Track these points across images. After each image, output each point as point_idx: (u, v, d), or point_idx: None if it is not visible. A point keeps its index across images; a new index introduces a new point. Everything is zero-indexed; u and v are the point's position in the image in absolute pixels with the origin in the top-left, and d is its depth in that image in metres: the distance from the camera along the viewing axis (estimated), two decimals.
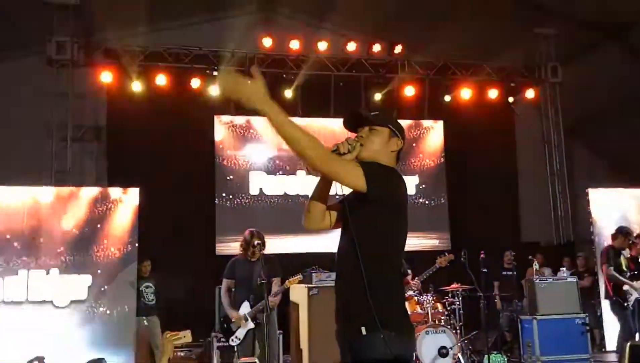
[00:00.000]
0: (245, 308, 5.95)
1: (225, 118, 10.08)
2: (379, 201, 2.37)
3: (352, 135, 2.61)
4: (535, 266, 7.50)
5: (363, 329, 2.30)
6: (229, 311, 5.99)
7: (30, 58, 9.70)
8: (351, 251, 2.38)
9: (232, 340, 5.97)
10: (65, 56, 9.18)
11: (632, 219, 8.82)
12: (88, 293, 7.29)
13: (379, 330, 2.27)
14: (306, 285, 7.05)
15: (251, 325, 5.92)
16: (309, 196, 2.61)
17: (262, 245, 5.85)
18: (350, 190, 2.45)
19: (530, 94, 10.81)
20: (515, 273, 7.96)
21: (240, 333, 5.94)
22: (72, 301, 7.23)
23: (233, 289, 6.17)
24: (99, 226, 7.44)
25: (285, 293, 7.49)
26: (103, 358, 6.12)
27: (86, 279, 7.32)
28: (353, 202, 2.46)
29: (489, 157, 10.55)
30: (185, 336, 3.50)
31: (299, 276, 6.20)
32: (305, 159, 2.27)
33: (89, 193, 7.64)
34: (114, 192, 7.69)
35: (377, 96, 10.47)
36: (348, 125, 2.64)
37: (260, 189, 10.09)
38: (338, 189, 2.46)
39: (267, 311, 5.57)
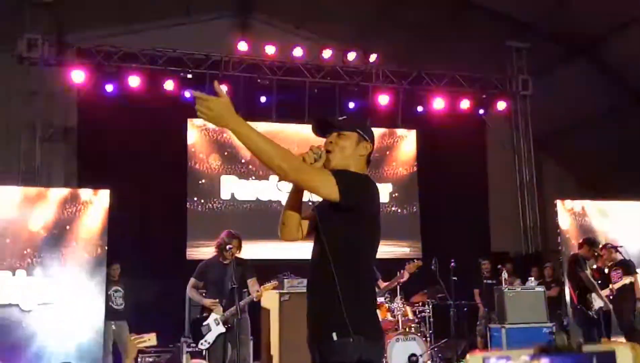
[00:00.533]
0: (217, 311, 5.90)
1: (198, 122, 9.99)
2: (352, 209, 2.37)
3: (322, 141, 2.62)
4: (504, 275, 7.61)
5: (334, 335, 2.30)
6: (202, 301, 5.92)
7: (1, 55, 9.51)
8: (324, 258, 2.38)
9: (202, 343, 5.90)
10: (36, 54, 8.99)
11: (598, 231, 9.01)
12: (57, 296, 7.10)
13: (350, 335, 2.28)
14: (278, 291, 7.04)
15: (222, 329, 5.85)
16: (283, 206, 2.61)
17: (238, 247, 5.89)
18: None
19: (501, 105, 10.99)
20: (496, 281, 8.07)
21: (210, 337, 5.87)
22: (39, 305, 7.04)
23: (203, 292, 6.12)
24: (67, 227, 7.27)
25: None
26: None
27: (54, 281, 7.13)
28: (325, 210, 2.46)
29: (461, 167, 10.69)
30: (150, 339, 3.45)
31: (275, 282, 6.19)
32: (277, 171, 2.27)
33: (58, 194, 7.47)
34: (84, 193, 7.52)
35: (351, 105, 10.53)
36: (317, 131, 2.65)
37: (232, 194, 10.04)
38: (310, 196, 2.48)
39: (239, 316, 5.55)
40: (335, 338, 2.30)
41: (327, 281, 2.34)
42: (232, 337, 5.79)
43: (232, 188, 10.07)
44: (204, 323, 5.90)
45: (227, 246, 5.80)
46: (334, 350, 2.31)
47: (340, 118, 2.69)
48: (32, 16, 8.93)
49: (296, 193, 2.57)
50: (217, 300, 5.83)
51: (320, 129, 2.64)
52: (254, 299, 5.92)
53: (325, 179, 2.34)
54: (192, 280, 6.10)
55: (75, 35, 9.61)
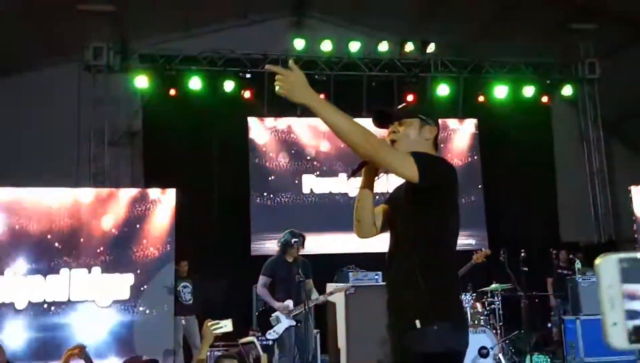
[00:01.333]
0: (289, 304, 5.97)
1: (269, 123, 10.11)
2: (431, 192, 2.29)
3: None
4: (578, 264, 7.31)
5: (417, 322, 2.19)
6: (272, 303, 5.98)
7: (68, 65, 9.92)
8: (402, 247, 2.34)
9: (270, 333, 5.96)
10: (102, 62, 9.33)
11: None
12: (130, 293, 7.34)
13: (434, 322, 2.18)
14: (343, 284, 7.03)
15: (292, 322, 5.93)
16: (355, 205, 2.54)
17: (302, 245, 6.04)
18: (392, 189, 2.53)
19: (567, 91, 10.58)
20: (570, 271, 7.79)
21: (279, 328, 5.94)
22: (114, 301, 7.29)
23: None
24: (137, 226, 7.51)
25: (322, 292, 7.49)
26: (157, 360, 6.19)
27: (128, 278, 7.37)
28: (400, 200, 2.43)
29: (526, 155, 10.36)
30: (227, 325, 3.48)
31: (324, 297, 6.22)
32: (358, 149, 2.19)
33: (127, 194, 7.73)
34: (153, 193, 7.76)
35: (410, 97, 10.39)
36: (377, 123, 2.57)
37: (311, 189, 10.07)
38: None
39: (307, 310, 5.61)
40: (418, 326, 2.19)
41: (408, 265, 2.27)
42: (300, 331, 5.92)
43: (306, 183, 10.09)
44: (273, 315, 5.96)
45: (293, 241, 5.95)
46: (418, 338, 2.19)
47: (399, 107, 2.64)
48: (97, 26, 9.26)
49: (367, 188, 2.51)
50: (287, 305, 5.90)
51: (380, 121, 2.56)
52: (322, 302, 6.14)
53: (405, 159, 2.24)
54: (262, 279, 6.14)
55: (137, 42, 9.90)
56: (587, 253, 9.28)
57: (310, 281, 6.21)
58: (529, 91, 10.40)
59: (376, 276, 7.11)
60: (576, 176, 10.87)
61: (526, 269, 6.90)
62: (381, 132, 2.54)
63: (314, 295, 6.15)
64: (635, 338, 0.91)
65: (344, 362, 6.56)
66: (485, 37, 10.50)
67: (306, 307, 5.71)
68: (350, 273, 7.12)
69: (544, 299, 8.63)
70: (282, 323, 5.94)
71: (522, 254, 6.96)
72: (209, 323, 3.44)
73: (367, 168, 2.48)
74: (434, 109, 2.71)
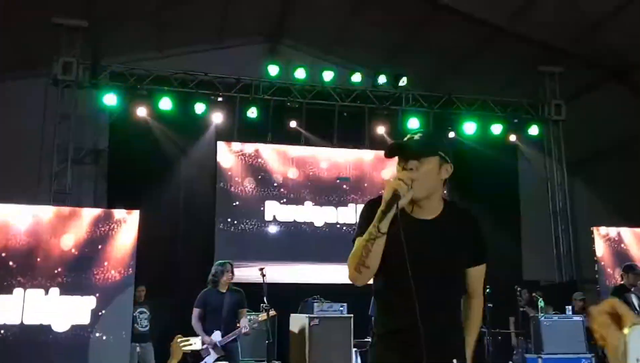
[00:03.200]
0: (216, 336, 6.05)
1: (236, 146, 10.00)
2: None
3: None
4: (541, 303, 7.36)
5: (454, 361, 2.27)
6: (202, 336, 6.01)
7: (35, 78, 9.70)
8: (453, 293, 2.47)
9: None
10: (71, 77, 9.13)
11: (636, 257, 8.70)
12: (90, 317, 7.02)
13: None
14: (307, 315, 6.92)
15: (222, 352, 6.04)
16: (367, 248, 2.23)
17: (231, 271, 6.26)
18: None
19: (533, 131, 10.80)
20: (535, 311, 7.81)
21: (209, 359, 6.03)
22: (73, 326, 6.96)
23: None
24: (100, 247, 7.25)
25: (285, 322, 7.35)
26: None
27: (89, 301, 7.06)
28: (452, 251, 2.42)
29: (492, 193, 10.48)
30: (196, 343, 3.40)
31: (263, 315, 6.21)
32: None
33: (91, 213, 7.48)
34: (117, 213, 7.50)
35: (380, 129, 10.46)
36: (390, 155, 2.34)
37: (273, 216, 9.93)
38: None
39: (236, 338, 6.11)
40: None
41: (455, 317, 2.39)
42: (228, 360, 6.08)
43: (269, 210, 9.95)
44: (204, 347, 5.99)
45: (217, 272, 6.24)
46: None
47: (417, 137, 2.33)
48: (68, 40, 9.10)
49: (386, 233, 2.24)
50: (212, 340, 6.02)
51: (394, 153, 2.33)
52: (247, 334, 6.20)
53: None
54: (195, 311, 6.22)
55: (108, 59, 9.75)
56: (548, 292, 9.38)
57: (244, 310, 6.26)
58: (497, 128, 10.58)
59: (341, 308, 7.03)
60: (539, 215, 11.03)
61: (491, 305, 6.91)
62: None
63: (243, 323, 6.16)
64: None
65: None
66: (456, 73, 10.71)
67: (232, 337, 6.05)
68: (315, 304, 7.02)
69: (507, 337, 8.65)
70: (211, 356, 6.04)
71: (487, 290, 6.95)
72: (179, 340, 3.33)
73: (397, 204, 2.16)
74: (450, 143, 2.56)
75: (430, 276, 2.22)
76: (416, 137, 2.34)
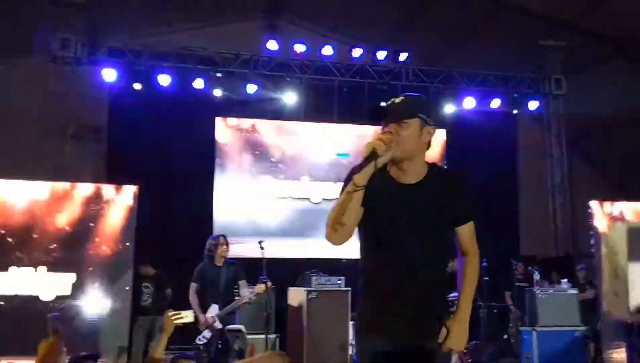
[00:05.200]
0: (213, 310, 6.13)
1: (232, 121, 10.02)
2: None
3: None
4: (537, 276, 7.43)
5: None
6: (198, 312, 6.09)
7: (34, 56, 9.68)
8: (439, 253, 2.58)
9: (199, 339, 6.15)
10: (69, 54, 9.13)
11: None
12: (72, 291, 7.14)
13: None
14: (305, 289, 7.01)
15: (219, 325, 6.12)
16: (341, 205, 2.28)
17: (226, 244, 6.31)
18: None
19: (533, 105, 10.77)
20: (528, 284, 7.88)
21: (207, 333, 6.13)
22: (59, 297, 7.11)
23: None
24: (91, 224, 7.33)
25: (283, 295, 7.46)
26: (97, 355, 6.08)
27: (70, 277, 7.17)
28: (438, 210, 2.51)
29: (491, 167, 10.45)
30: (187, 316, 3.49)
31: (262, 286, 6.21)
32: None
33: (83, 191, 7.53)
34: (108, 190, 7.57)
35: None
36: (372, 119, 2.47)
37: (262, 192, 9.99)
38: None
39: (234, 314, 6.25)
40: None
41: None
42: (225, 333, 6.18)
43: (264, 186, 10.00)
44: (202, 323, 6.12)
45: (211, 245, 6.31)
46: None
47: (397, 101, 2.38)
48: (65, 16, 9.06)
49: (364, 188, 2.27)
50: (208, 318, 6.09)
51: (376, 116, 2.43)
52: (248, 302, 6.22)
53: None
54: (192, 286, 6.31)
55: (106, 36, 9.72)
56: (544, 267, 9.45)
57: (243, 282, 6.31)
58: (496, 103, 10.56)
59: (339, 281, 7.11)
60: (538, 189, 11.06)
61: (487, 278, 6.99)
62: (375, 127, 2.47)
63: (243, 293, 6.23)
64: None
65: None
66: (457, 49, 10.64)
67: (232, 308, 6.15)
68: (313, 277, 7.11)
69: (503, 310, 8.74)
70: (210, 330, 6.14)
71: (484, 264, 7.04)
72: (170, 313, 3.43)
73: (375, 162, 2.22)
74: (435, 106, 2.56)
75: (413, 237, 2.27)
76: (397, 100, 2.40)
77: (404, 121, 2.32)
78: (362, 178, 2.23)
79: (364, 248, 2.47)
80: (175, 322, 3.41)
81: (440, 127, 10.73)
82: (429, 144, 2.43)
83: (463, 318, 2.44)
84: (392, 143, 2.26)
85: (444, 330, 2.36)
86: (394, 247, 2.33)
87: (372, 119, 2.50)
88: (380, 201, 2.29)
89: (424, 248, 2.30)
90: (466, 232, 2.49)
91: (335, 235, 2.29)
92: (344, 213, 2.26)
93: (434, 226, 2.39)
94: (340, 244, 2.33)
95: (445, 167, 2.57)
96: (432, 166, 2.47)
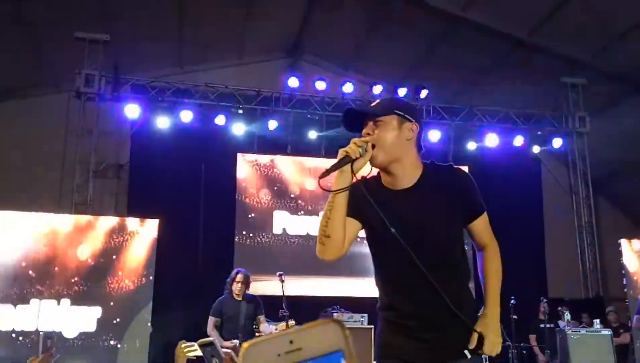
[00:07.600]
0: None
1: (250, 156, 9.99)
2: None
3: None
4: (567, 316, 7.15)
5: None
6: (220, 342, 5.88)
7: (59, 91, 9.84)
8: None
9: None
10: (93, 90, 9.23)
11: None
12: (97, 326, 7.04)
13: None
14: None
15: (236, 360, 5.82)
16: (325, 215, 2.18)
17: (245, 284, 6.17)
18: None
19: (557, 143, 10.61)
20: (553, 325, 7.56)
21: None
22: (81, 333, 6.97)
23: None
24: (114, 257, 7.26)
25: None
26: None
27: (96, 311, 7.08)
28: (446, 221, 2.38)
29: (515, 206, 10.25)
30: (197, 349, 3.32)
31: (283, 324, 6.07)
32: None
33: (106, 223, 7.50)
34: (132, 223, 7.52)
35: None
36: (348, 126, 2.28)
37: (283, 229, 9.86)
38: None
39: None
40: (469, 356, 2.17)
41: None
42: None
43: (282, 222, 9.88)
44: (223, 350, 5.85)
45: (231, 279, 6.19)
46: None
47: (372, 104, 2.32)
48: (89, 53, 9.20)
49: (344, 195, 2.16)
50: (234, 343, 5.86)
51: (352, 124, 2.26)
52: None
53: None
54: (210, 319, 6.18)
55: (130, 72, 9.85)
56: (573, 309, 9.11)
57: (261, 317, 6.20)
58: (519, 140, 10.42)
59: (362, 318, 6.91)
60: (564, 230, 10.79)
61: (515, 317, 6.73)
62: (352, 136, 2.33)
63: (263, 329, 6.10)
64: None
65: None
66: (477, 87, 10.61)
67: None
68: (335, 314, 6.91)
69: (530, 353, 8.38)
70: None
71: (512, 301, 6.78)
72: (183, 345, 3.26)
73: (352, 166, 2.11)
74: (412, 106, 2.46)
75: (416, 245, 2.13)
76: (372, 104, 2.33)
77: (379, 119, 2.19)
78: (336, 184, 2.13)
79: (374, 268, 2.35)
80: (188, 354, 3.24)
81: (463, 164, 10.67)
82: (419, 145, 2.28)
83: (493, 316, 2.20)
84: (368, 144, 2.14)
85: (474, 335, 2.15)
86: (398, 261, 2.19)
87: (350, 129, 2.29)
88: (375, 213, 2.16)
89: (428, 254, 2.14)
90: (480, 226, 2.33)
91: (323, 248, 2.18)
92: (327, 224, 2.16)
93: (436, 226, 2.21)
94: (332, 259, 2.20)
95: (444, 164, 2.38)
96: (427, 164, 2.30)
